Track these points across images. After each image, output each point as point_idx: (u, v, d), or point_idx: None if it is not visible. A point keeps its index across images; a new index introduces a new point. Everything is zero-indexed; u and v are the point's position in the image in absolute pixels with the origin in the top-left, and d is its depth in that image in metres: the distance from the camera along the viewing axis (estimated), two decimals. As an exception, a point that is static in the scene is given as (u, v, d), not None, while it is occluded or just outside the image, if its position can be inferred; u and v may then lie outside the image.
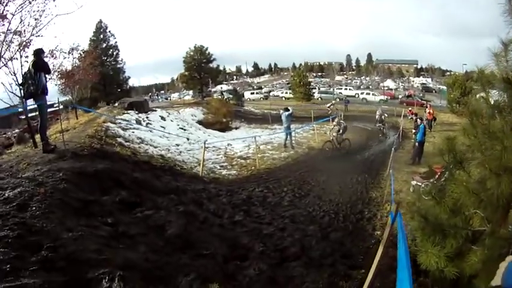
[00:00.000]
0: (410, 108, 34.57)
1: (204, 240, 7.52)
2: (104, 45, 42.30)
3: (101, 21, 43.33)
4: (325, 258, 8.16)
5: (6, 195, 6.90)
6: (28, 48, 12.77)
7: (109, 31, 43.56)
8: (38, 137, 12.15)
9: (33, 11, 12.49)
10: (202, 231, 8.13)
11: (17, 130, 27.84)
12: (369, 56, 64.69)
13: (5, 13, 11.39)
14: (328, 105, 28.05)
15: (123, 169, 10.37)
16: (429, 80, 60.19)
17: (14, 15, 11.75)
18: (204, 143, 15.95)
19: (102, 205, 7.71)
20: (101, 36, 42.83)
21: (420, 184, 12.76)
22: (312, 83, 52.59)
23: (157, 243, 6.81)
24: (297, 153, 21.04)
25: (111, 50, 42.81)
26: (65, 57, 22.15)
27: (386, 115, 27.85)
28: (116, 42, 43.50)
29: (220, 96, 40.75)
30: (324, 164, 17.91)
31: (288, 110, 22.80)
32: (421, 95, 52.91)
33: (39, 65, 11.00)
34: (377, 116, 26.57)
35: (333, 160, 19.11)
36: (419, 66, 62.89)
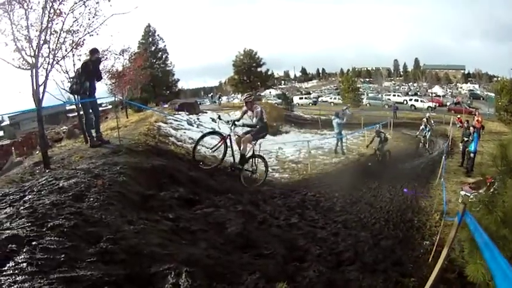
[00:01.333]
0: (458, 116, 33.28)
1: (264, 240, 7.29)
2: (153, 48, 42.67)
3: (149, 25, 43.87)
4: (378, 264, 8.01)
5: (61, 184, 6.90)
6: (81, 47, 12.74)
7: (157, 35, 44.05)
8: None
9: (88, 11, 12.40)
10: (261, 232, 7.93)
11: (65, 126, 28.26)
12: (416, 61, 63.19)
13: (59, 11, 11.28)
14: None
15: (179, 167, 10.40)
16: (476, 86, 58.46)
17: (67, 13, 11.65)
18: (259, 146, 15.80)
19: (161, 200, 7.61)
20: (150, 39, 43.29)
21: (469, 194, 12.47)
22: (360, 89, 52.04)
23: (217, 240, 6.58)
24: (348, 159, 20.81)
25: (160, 53, 43.19)
26: (115, 58, 22.27)
27: (433, 123, 26.24)
28: (164, 45, 43.94)
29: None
30: (375, 171, 17.71)
31: (339, 116, 22.57)
32: (469, 102, 51.38)
33: (88, 70, 11.79)
34: (422, 126, 24.66)
35: (383, 167, 18.87)
36: (466, 72, 61.20)
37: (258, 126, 11.78)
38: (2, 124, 46.04)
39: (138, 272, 4.59)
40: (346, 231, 9.66)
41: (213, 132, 11.95)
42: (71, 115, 38.47)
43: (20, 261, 4.14)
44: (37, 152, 12.72)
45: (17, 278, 3.84)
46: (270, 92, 51.86)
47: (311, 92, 57.44)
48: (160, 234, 5.87)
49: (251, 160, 12.14)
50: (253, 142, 11.91)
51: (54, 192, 6.52)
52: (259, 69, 46.91)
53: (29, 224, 5.06)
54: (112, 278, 4.24)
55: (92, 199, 6.32)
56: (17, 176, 9.91)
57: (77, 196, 6.33)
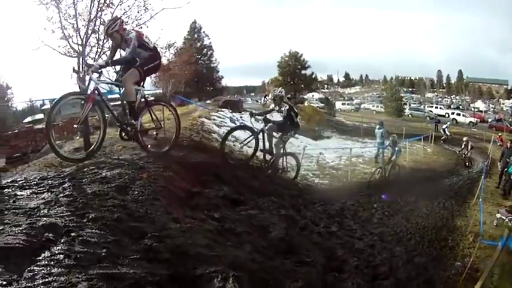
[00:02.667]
0: (499, 134, 32.22)
1: (305, 247, 7.13)
2: (198, 44, 42.89)
3: (195, 22, 44.15)
4: (411, 281, 8.10)
5: (103, 174, 6.78)
6: None
7: (203, 31, 44.33)
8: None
9: (137, 4, 12.36)
10: (303, 238, 7.76)
11: (106, 115, 28.60)
12: (460, 73, 62.11)
13: (110, 1, 11.29)
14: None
15: (223, 164, 10.14)
16: (520, 102, 57.01)
17: (117, 5, 11.63)
18: (304, 149, 15.67)
19: (206, 198, 7.39)
20: (195, 35, 43.54)
21: (505, 218, 12.39)
22: (403, 98, 51.42)
23: (261, 244, 6.39)
24: (387, 170, 20.31)
25: (205, 50, 43.44)
26: (162, 53, 22.41)
27: (471, 144, 24.34)
28: (210, 42, 44.22)
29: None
30: (413, 185, 17.31)
31: (383, 126, 22.26)
32: (511, 119, 49.98)
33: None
34: (463, 144, 23.69)
35: (422, 181, 18.39)
36: (509, 87, 59.73)
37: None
38: (43, 107, 47.13)
39: (183, 273, 4.39)
40: (381, 244, 9.68)
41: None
42: (112, 104, 38.98)
43: (56, 252, 3.96)
44: (77, 137, 12.70)
45: (53, 270, 3.65)
46: (313, 96, 51.63)
47: (353, 98, 57.04)
48: (206, 234, 5.69)
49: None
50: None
51: (96, 181, 6.37)
52: (303, 72, 46.80)
53: (69, 213, 4.89)
54: (155, 277, 4.06)
55: (136, 192, 6.17)
56: (56, 160, 9.88)
57: (120, 188, 6.17)
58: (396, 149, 17.83)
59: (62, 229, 4.41)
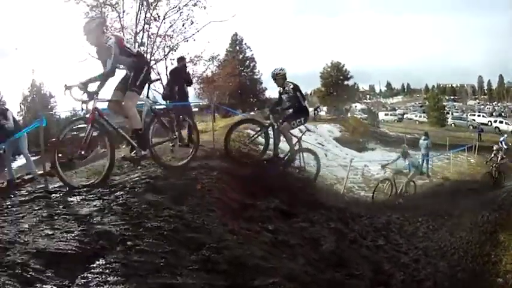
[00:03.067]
0: None
1: (354, 261, 7.14)
2: (240, 56, 43.23)
3: (236, 34, 44.64)
4: None
5: (157, 184, 6.81)
6: (175, 51, 12.91)
7: (245, 43, 44.71)
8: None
9: (183, 17, 12.50)
10: (352, 251, 7.75)
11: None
12: (501, 77, 60.70)
13: (157, 15, 11.46)
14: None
15: (272, 176, 9.89)
16: None
17: (163, 19, 11.79)
18: (351, 162, 15.53)
19: (259, 210, 7.38)
20: (237, 48, 43.91)
21: None
22: (445, 107, 50.74)
23: (313, 256, 6.39)
24: (432, 182, 20.29)
25: (248, 62, 43.76)
26: (207, 65, 22.59)
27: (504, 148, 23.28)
28: (252, 54, 44.56)
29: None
30: (457, 197, 17.00)
31: (428, 136, 22.07)
32: (556, 124, 48.66)
33: (176, 76, 12.63)
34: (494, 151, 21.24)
35: (466, 194, 17.85)
36: (551, 90, 58.26)
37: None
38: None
39: (241, 284, 4.40)
40: (426, 259, 9.52)
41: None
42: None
43: (112, 260, 4.00)
44: (123, 146, 12.88)
45: (108, 278, 3.71)
46: (356, 106, 51.49)
47: (396, 108, 56.55)
48: (262, 246, 5.69)
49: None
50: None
51: (149, 191, 6.42)
52: (346, 83, 46.79)
53: (123, 222, 4.95)
54: (214, 288, 4.06)
55: (191, 203, 6.19)
56: (103, 168, 9.98)
57: (175, 198, 6.20)
58: (407, 162, 17.13)
59: (118, 237, 4.44)
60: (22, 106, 42.11)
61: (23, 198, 6.23)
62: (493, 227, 12.98)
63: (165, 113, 9.76)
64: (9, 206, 5.89)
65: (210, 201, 6.55)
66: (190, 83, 13.63)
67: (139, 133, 7.80)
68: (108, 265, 3.87)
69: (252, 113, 31.01)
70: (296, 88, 10.57)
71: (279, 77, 10.68)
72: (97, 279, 3.65)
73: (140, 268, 3.94)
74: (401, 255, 9.04)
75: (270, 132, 10.65)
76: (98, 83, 7.38)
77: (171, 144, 9.16)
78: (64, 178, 7.01)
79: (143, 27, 10.98)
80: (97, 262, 3.91)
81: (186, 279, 3.99)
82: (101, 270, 3.77)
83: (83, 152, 7.52)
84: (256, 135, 11.10)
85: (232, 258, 4.73)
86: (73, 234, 4.34)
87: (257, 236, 6.05)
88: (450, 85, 61.56)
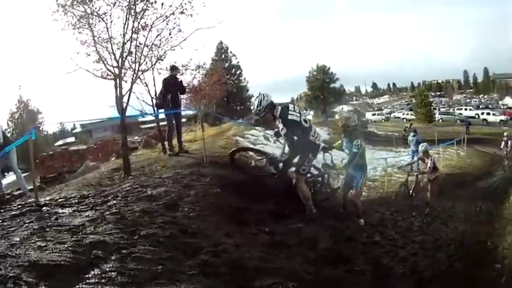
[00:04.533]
0: None
1: (352, 257, 7.19)
2: (226, 64, 43.56)
3: (221, 43, 45.12)
4: (455, 285, 7.96)
5: (149, 192, 6.93)
6: (162, 61, 12.90)
7: (230, 51, 45.17)
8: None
9: (171, 26, 12.48)
10: (349, 248, 7.81)
11: (137, 137, 29.31)
12: (485, 70, 61.57)
13: (145, 24, 11.43)
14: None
15: (263, 181, 9.96)
16: (551, 94, 56.26)
17: (150, 28, 11.76)
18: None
19: (253, 213, 7.52)
20: (223, 56, 44.28)
21: None
22: (432, 103, 51.23)
23: (310, 255, 6.39)
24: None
25: (234, 69, 44.19)
26: (194, 74, 22.68)
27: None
28: (237, 62, 45.02)
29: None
30: (449, 190, 17.15)
31: (416, 133, 22.44)
32: (543, 112, 49.27)
33: (169, 85, 12.80)
34: (503, 143, 22.45)
35: (457, 186, 18.40)
36: (537, 79, 58.90)
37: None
38: (74, 131, 48.41)
39: (242, 286, 4.39)
40: (423, 251, 9.43)
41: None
42: (143, 126, 39.91)
43: (107, 269, 3.93)
44: (113, 158, 12.91)
45: None
46: (343, 108, 51.88)
47: (383, 107, 57.05)
48: (260, 248, 5.74)
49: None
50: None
51: (142, 199, 6.51)
52: (332, 85, 47.13)
53: (117, 230, 4.91)
54: (215, 292, 4.06)
55: (186, 209, 6.26)
56: (95, 180, 10.16)
57: (169, 205, 6.29)
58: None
59: (112, 246, 4.41)
60: (10, 123, 42.18)
61: (14, 213, 6.10)
62: (486, 216, 13.31)
63: None
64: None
65: (204, 206, 6.60)
66: (183, 91, 13.84)
67: None
68: (104, 274, 3.80)
69: (240, 121, 31.09)
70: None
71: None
72: (93, 289, 3.61)
73: (137, 276, 3.88)
74: (399, 250, 9.02)
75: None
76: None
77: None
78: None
79: (131, 36, 10.90)
80: (92, 272, 3.83)
81: (186, 284, 3.95)
82: (96, 280, 3.69)
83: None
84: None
85: (231, 261, 4.74)
86: (66, 245, 4.26)
87: (254, 238, 6.09)
88: (436, 81, 62.36)
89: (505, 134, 23.06)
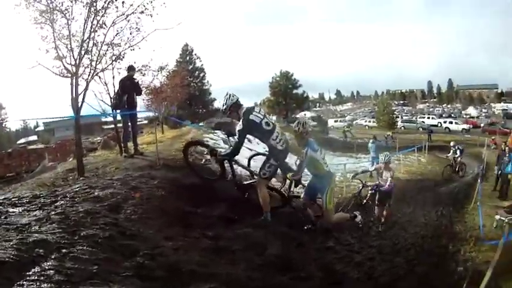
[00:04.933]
0: (493, 138, 32.92)
1: (302, 263, 7.09)
2: (190, 67, 43.16)
3: (187, 45, 44.76)
4: None
5: (96, 193, 6.91)
6: (121, 60, 12.83)
7: (195, 54, 44.84)
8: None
9: (130, 25, 12.43)
10: (299, 254, 7.69)
11: (99, 137, 28.98)
12: (450, 82, 62.69)
13: (103, 23, 11.38)
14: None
15: (216, 185, 9.91)
16: (510, 105, 57.26)
17: (109, 26, 11.71)
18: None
19: (201, 217, 7.54)
20: (187, 58, 43.93)
21: (504, 218, 12.24)
22: (395, 112, 51.93)
23: (257, 261, 6.36)
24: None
25: (197, 72, 43.78)
26: (154, 75, 22.47)
27: (460, 149, 23.19)
28: (202, 64, 44.66)
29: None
30: (410, 196, 17.29)
31: (377, 140, 22.35)
32: (503, 122, 50.31)
33: (125, 86, 12.62)
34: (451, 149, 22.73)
35: (418, 191, 18.50)
36: (499, 91, 60.10)
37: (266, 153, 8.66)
38: (37, 129, 47.47)
39: None
40: (381, 256, 9.46)
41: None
42: (105, 127, 39.49)
43: (47, 267, 4.02)
44: (70, 158, 12.86)
45: (42, 286, 3.73)
46: (305, 114, 52.00)
47: (346, 114, 57.44)
48: (200, 252, 5.75)
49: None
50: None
51: (88, 200, 6.52)
52: (295, 91, 47.17)
53: (60, 230, 4.97)
54: (148, 294, 4.09)
55: (129, 211, 6.29)
56: (49, 180, 10.04)
57: (113, 207, 6.31)
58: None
59: (53, 245, 4.46)
60: (-30, 120, 41.32)
61: (-35, 211, 6.16)
62: (448, 220, 13.65)
63: None
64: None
65: (147, 209, 6.63)
66: (139, 93, 13.73)
67: None
68: (43, 272, 3.89)
69: (200, 124, 31.06)
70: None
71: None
72: (32, 286, 3.66)
73: (73, 275, 3.95)
74: (354, 255, 9.01)
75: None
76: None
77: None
78: None
79: (89, 34, 10.85)
80: (33, 270, 3.91)
81: (119, 285, 4.02)
82: (36, 277, 3.78)
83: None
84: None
85: (167, 264, 4.80)
86: (11, 243, 4.32)
87: (196, 242, 6.09)
88: (400, 91, 62.92)
89: (452, 143, 23.63)
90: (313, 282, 6.50)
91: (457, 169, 22.60)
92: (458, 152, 22.59)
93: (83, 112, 11.04)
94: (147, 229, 5.75)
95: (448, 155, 23.22)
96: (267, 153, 8.52)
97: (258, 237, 7.31)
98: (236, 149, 8.26)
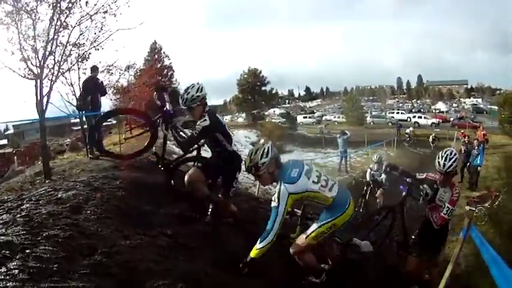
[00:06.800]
0: (462, 131, 34.15)
1: (264, 260, 6.72)
2: (159, 65, 42.76)
3: (155, 42, 44.54)
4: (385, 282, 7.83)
5: (59, 195, 6.99)
6: (86, 61, 12.89)
7: (163, 52, 44.49)
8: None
9: (94, 25, 12.49)
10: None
11: (68, 139, 28.66)
12: (419, 78, 63.45)
13: (66, 23, 11.43)
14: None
15: (180, 184, 9.92)
16: (479, 100, 58.36)
17: (74, 27, 11.77)
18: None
19: (160, 216, 7.61)
20: (156, 56, 43.61)
21: (474, 209, 12.30)
22: (364, 107, 52.38)
23: (216, 258, 6.54)
24: (351, 178, 20.65)
25: (166, 70, 43.37)
26: (120, 74, 22.37)
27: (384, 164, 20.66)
28: (170, 63, 44.29)
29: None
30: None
31: (345, 134, 22.57)
32: (472, 116, 51.33)
33: (90, 86, 12.75)
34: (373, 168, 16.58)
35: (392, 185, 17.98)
36: (469, 86, 61.03)
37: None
38: (7, 133, 46.75)
39: (131, 287, 4.64)
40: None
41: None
42: (75, 128, 39.11)
43: (12, 267, 4.20)
44: (39, 162, 12.89)
45: (8, 284, 3.91)
46: (274, 111, 52.15)
47: (315, 111, 57.63)
48: (157, 250, 5.91)
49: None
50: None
51: (51, 202, 6.62)
52: (263, 88, 47.20)
53: (24, 232, 5.13)
54: (104, 291, 4.29)
55: (89, 212, 6.40)
56: (17, 185, 10.11)
57: (74, 208, 6.41)
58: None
59: (18, 246, 4.65)
60: None
61: None
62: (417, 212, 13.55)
63: None
64: None
65: (107, 209, 6.75)
66: (104, 93, 13.82)
67: None
68: (8, 272, 4.07)
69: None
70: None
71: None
72: (-1, 285, 3.84)
73: (35, 273, 4.15)
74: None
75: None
76: None
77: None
78: None
79: (54, 35, 10.88)
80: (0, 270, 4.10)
81: (77, 282, 4.20)
82: (2, 277, 3.97)
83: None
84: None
85: (123, 262, 4.96)
86: None
87: (153, 240, 6.21)
88: (369, 87, 63.47)
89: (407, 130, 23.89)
90: (273, 277, 6.71)
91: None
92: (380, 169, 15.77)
93: (50, 114, 11.12)
94: (105, 229, 5.88)
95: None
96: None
97: (217, 235, 7.50)
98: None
